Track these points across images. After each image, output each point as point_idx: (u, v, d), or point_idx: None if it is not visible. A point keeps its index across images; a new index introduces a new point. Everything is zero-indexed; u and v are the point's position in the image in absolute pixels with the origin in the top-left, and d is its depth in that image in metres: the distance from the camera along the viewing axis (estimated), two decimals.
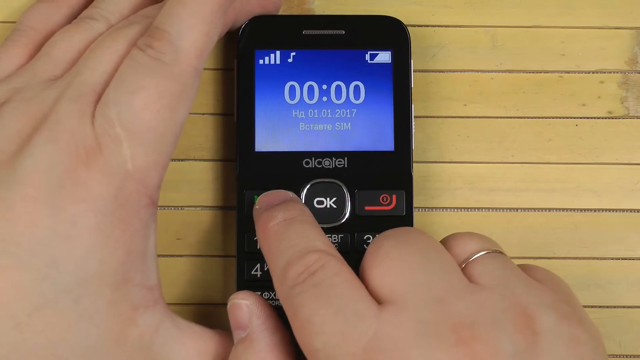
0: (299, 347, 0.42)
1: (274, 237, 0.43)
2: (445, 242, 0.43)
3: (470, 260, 0.42)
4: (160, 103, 0.43)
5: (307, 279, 0.41)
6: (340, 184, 0.48)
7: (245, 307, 0.44)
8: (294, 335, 0.41)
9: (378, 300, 0.41)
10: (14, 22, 0.49)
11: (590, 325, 0.41)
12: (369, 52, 0.49)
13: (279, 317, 0.44)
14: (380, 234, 0.43)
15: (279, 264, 0.42)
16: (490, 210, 0.51)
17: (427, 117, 0.51)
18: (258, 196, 0.48)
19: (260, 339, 0.43)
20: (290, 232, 0.43)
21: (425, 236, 0.43)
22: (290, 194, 0.46)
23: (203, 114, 0.51)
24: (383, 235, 0.43)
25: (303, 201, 0.48)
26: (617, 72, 0.51)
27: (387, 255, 0.41)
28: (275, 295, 0.48)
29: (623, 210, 0.51)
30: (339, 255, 0.42)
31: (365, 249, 0.44)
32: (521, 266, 0.43)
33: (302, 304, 0.40)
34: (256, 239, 0.48)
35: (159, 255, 0.50)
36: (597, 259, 0.51)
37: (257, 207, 0.46)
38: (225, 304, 0.50)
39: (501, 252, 0.43)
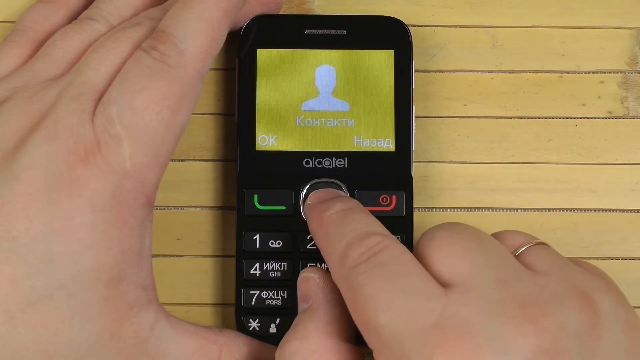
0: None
1: (331, 224, 0.44)
2: (493, 236, 0.44)
3: (521, 251, 0.43)
4: (162, 104, 0.43)
5: (371, 258, 0.41)
6: (340, 184, 0.48)
7: (313, 280, 0.45)
8: (352, 314, 0.41)
9: (440, 284, 0.41)
10: (14, 22, 0.49)
11: (635, 313, 0.42)
12: (370, 52, 0.49)
13: None
14: (430, 228, 0.43)
15: (337, 247, 0.43)
16: (490, 210, 0.51)
17: (427, 117, 0.51)
18: (258, 195, 0.48)
19: (320, 309, 0.44)
20: (349, 219, 0.44)
21: (476, 229, 0.43)
22: (342, 192, 0.47)
23: (203, 114, 0.51)
24: (435, 227, 0.43)
25: (303, 201, 0.48)
26: (617, 72, 0.51)
27: (444, 242, 0.42)
28: (274, 294, 0.48)
29: (623, 210, 0.51)
30: (398, 241, 0.43)
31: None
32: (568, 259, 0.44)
33: (365, 282, 0.41)
34: (256, 238, 0.48)
35: (159, 255, 0.50)
36: (597, 259, 0.51)
37: (309, 202, 0.46)
38: (225, 304, 0.50)
39: (547, 245, 0.44)
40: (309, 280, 0.45)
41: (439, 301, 0.40)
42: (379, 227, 0.43)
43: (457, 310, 0.40)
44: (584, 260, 0.48)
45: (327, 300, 0.44)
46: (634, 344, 0.40)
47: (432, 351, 0.39)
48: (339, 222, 0.44)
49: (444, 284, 0.41)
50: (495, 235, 0.44)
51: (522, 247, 0.43)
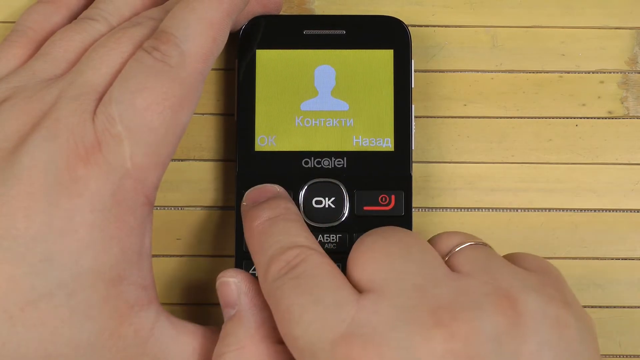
0: None
1: (258, 236, 0.44)
2: (430, 240, 0.44)
3: (454, 252, 0.43)
4: (163, 104, 0.43)
5: (288, 272, 0.42)
6: (339, 183, 0.48)
7: (233, 284, 0.44)
8: (278, 328, 0.42)
9: (359, 290, 0.41)
10: (14, 22, 0.49)
11: (579, 309, 0.41)
12: (369, 52, 0.49)
13: None
14: (366, 232, 0.43)
15: (262, 261, 0.43)
16: (490, 210, 0.51)
17: (427, 117, 0.51)
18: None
19: (249, 316, 0.44)
20: (273, 230, 0.44)
21: (409, 233, 0.43)
22: (277, 188, 0.47)
23: (203, 114, 0.51)
24: (367, 232, 0.43)
25: (302, 201, 0.48)
26: (617, 72, 0.51)
27: (368, 248, 0.42)
28: None
29: (623, 210, 0.51)
30: (321, 249, 0.43)
31: None
32: (510, 255, 0.44)
33: (282, 295, 0.41)
34: None
35: (159, 255, 0.50)
36: (597, 259, 0.51)
37: (244, 203, 0.46)
38: None
39: (484, 244, 0.43)
40: (228, 285, 0.44)
41: (349, 310, 0.40)
42: (302, 237, 0.43)
43: (366, 318, 0.40)
44: (582, 259, 0.49)
45: (253, 305, 0.44)
46: (564, 342, 0.40)
47: None
48: (264, 234, 0.44)
49: (361, 291, 0.41)
50: (432, 238, 0.44)
51: (457, 248, 0.43)
